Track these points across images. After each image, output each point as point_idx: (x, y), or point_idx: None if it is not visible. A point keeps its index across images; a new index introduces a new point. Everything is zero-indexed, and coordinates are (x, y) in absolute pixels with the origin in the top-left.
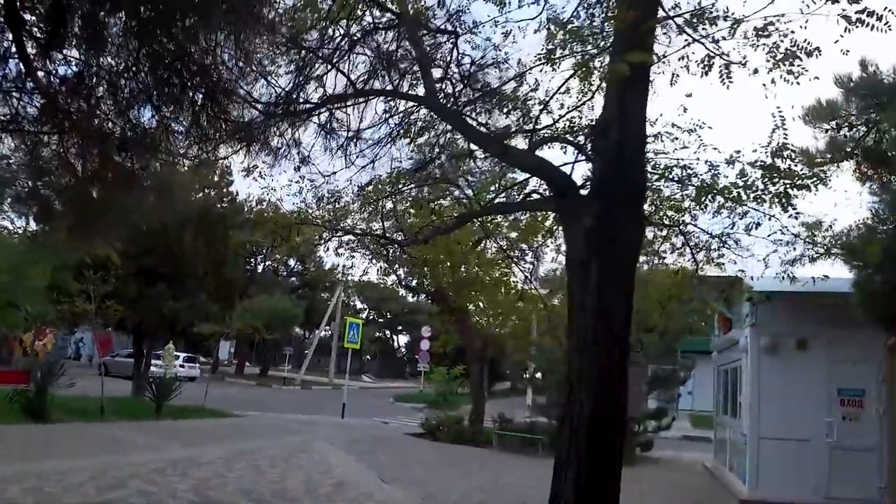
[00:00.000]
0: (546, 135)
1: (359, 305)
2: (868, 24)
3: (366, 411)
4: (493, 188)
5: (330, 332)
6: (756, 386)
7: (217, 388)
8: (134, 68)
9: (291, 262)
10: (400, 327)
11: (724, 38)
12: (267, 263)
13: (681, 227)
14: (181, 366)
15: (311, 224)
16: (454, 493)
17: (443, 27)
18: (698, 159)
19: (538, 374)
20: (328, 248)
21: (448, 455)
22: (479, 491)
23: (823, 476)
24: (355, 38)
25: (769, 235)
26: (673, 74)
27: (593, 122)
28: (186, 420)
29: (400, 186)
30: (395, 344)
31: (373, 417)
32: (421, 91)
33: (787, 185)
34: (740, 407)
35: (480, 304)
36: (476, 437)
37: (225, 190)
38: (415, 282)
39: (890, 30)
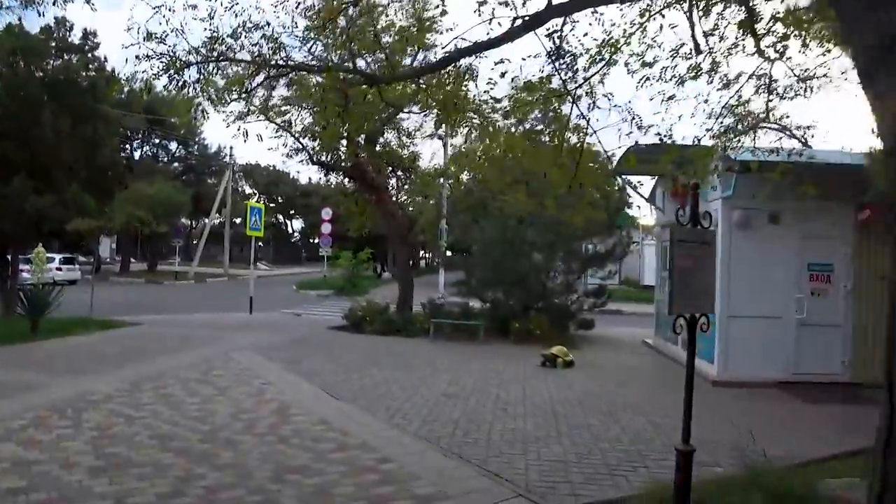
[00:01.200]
0: None
1: (248, 190)
2: None
3: (271, 303)
4: None
5: (221, 220)
6: (727, 263)
7: (102, 290)
8: None
9: (173, 146)
10: (293, 211)
11: None
12: (145, 149)
13: None
14: (58, 269)
15: (233, 60)
16: (437, 410)
17: None
18: None
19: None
20: (252, 98)
21: (386, 351)
22: (461, 404)
23: (791, 353)
24: None
25: None
26: None
27: None
28: (71, 337)
29: None
30: (289, 229)
31: (281, 310)
32: None
33: None
34: None
35: (401, 179)
36: (408, 327)
37: (90, 55)
38: (326, 157)
39: None
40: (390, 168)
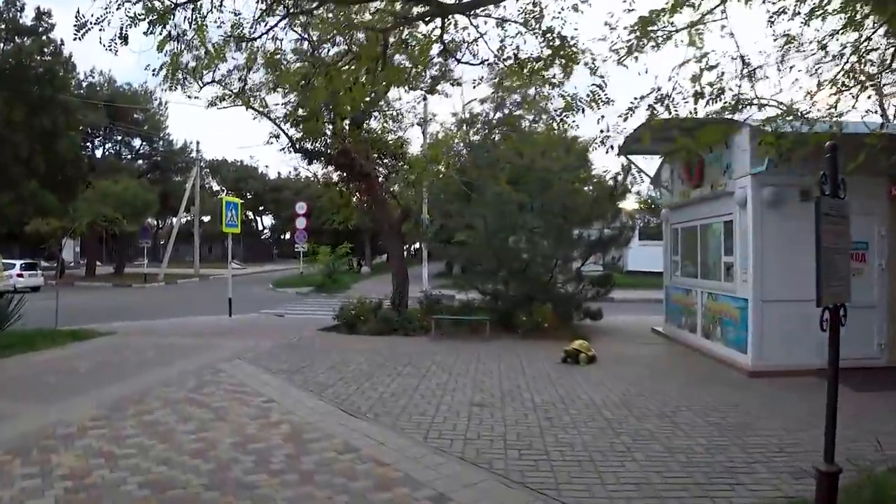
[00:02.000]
0: None
1: (216, 187)
2: None
3: (249, 303)
4: None
5: (189, 218)
6: (759, 244)
7: (68, 296)
8: None
9: (137, 143)
10: (262, 207)
11: None
12: (107, 146)
13: None
14: (18, 275)
15: None
16: (475, 424)
17: None
18: None
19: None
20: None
21: (390, 353)
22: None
23: (825, 337)
24: None
25: None
26: None
27: None
28: (35, 353)
29: None
30: (259, 226)
31: (261, 310)
32: None
33: None
34: (726, 268)
35: (389, 167)
36: (406, 325)
37: (45, 37)
38: (311, 145)
39: None
40: (377, 155)
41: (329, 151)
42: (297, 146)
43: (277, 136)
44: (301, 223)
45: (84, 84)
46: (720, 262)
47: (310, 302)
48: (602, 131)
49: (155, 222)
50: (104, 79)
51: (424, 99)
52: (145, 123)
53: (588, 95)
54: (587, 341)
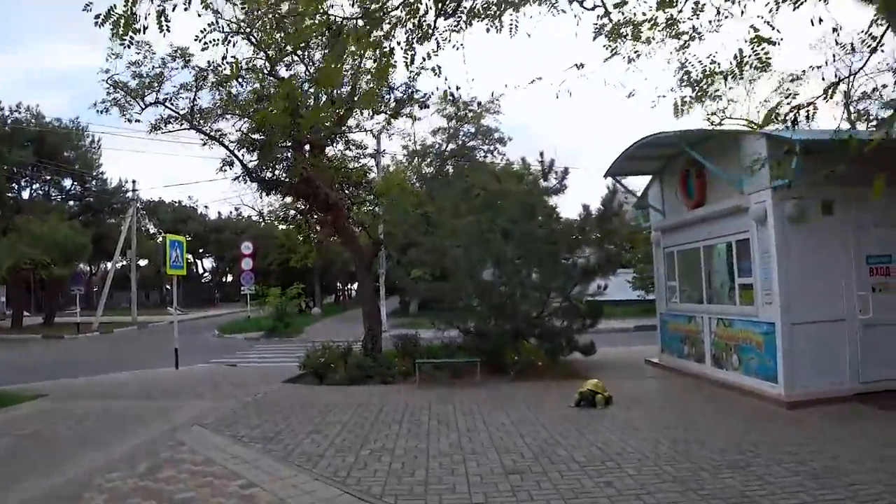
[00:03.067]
0: None
1: (152, 229)
2: None
3: (196, 352)
4: None
5: (125, 262)
6: (784, 263)
7: None
8: None
9: (68, 183)
10: (202, 249)
11: None
12: (34, 187)
13: None
14: None
15: None
16: (526, 500)
17: None
18: None
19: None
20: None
21: (378, 408)
22: None
23: (857, 359)
24: None
25: None
26: None
27: None
28: None
29: None
30: (199, 268)
31: (210, 360)
32: None
33: None
34: (741, 291)
35: (352, 197)
36: (384, 372)
37: None
38: (269, 173)
39: None
40: (339, 184)
41: (289, 180)
42: (253, 174)
43: (231, 164)
44: (247, 264)
45: (9, 120)
46: (731, 285)
47: (262, 349)
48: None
49: (88, 267)
50: (31, 114)
51: (389, 123)
52: (77, 162)
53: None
54: (584, 379)
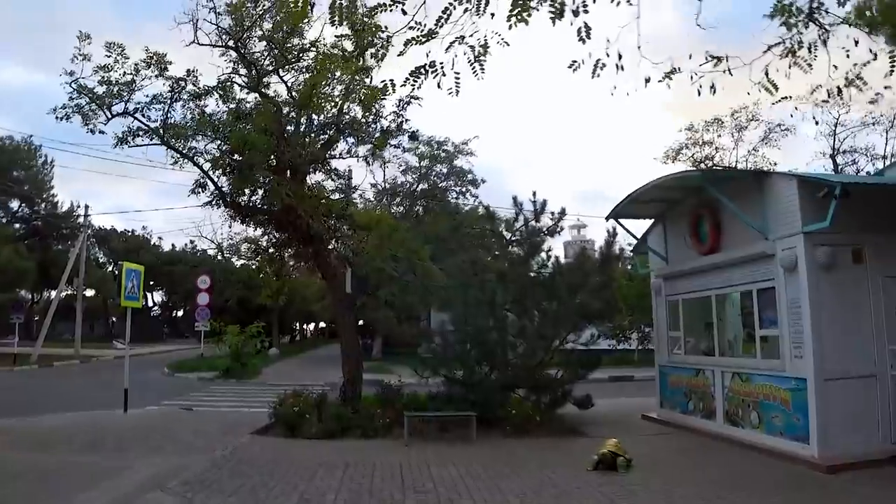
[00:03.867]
0: None
1: (101, 259)
2: None
3: (146, 391)
4: None
5: (72, 291)
6: (817, 314)
7: None
8: None
9: (14, 204)
10: (153, 282)
11: None
12: None
13: None
14: None
15: None
16: None
17: None
18: None
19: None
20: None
21: (370, 471)
22: None
23: (890, 418)
24: None
25: None
26: None
27: None
28: None
29: None
30: (148, 302)
31: (162, 402)
32: None
33: None
34: (759, 343)
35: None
36: (365, 425)
37: None
38: (245, 199)
39: None
40: (324, 215)
41: (267, 207)
42: (228, 199)
43: (203, 186)
44: (203, 299)
45: None
46: (746, 336)
47: (219, 391)
48: None
49: (30, 295)
50: None
51: (373, 154)
52: (26, 182)
53: None
54: (585, 436)
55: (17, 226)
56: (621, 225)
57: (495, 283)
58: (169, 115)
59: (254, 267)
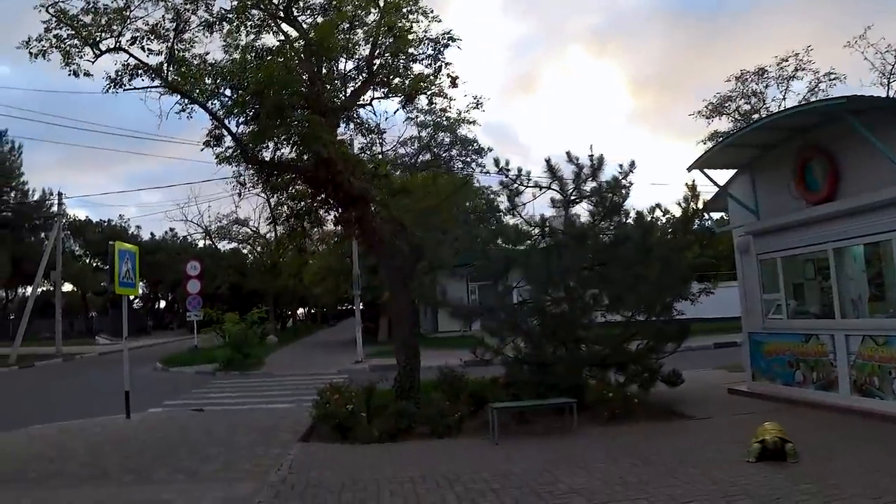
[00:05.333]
0: None
1: (77, 250)
2: None
3: (142, 391)
4: None
5: (49, 286)
6: None
7: None
8: None
9: None
10: None
11: None
12: None
13: None
14: None
15: None
16: None
17: None
18: None
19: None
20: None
21: (485, 489)
22: None
23: None
24: None
25: None
26: None
27: None
28: None
29: None
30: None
31: (164, 402)
32: None
33: None
34: None
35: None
36: (436, 422)
37: None
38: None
39: None
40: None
41: (299, 163)
42: (250, 153)
43: (218, 139)
44: (193, 286)
45: None
46: (874, 294)
47: (223, 386)
48: None
49: (3, 293)
50: None
51: (404, 106)
52: None
53: None
54: (767, 423)
55: None
56: (707, 176)
57: (574, 245)
58: (174, 49)
59: (251, 254)
